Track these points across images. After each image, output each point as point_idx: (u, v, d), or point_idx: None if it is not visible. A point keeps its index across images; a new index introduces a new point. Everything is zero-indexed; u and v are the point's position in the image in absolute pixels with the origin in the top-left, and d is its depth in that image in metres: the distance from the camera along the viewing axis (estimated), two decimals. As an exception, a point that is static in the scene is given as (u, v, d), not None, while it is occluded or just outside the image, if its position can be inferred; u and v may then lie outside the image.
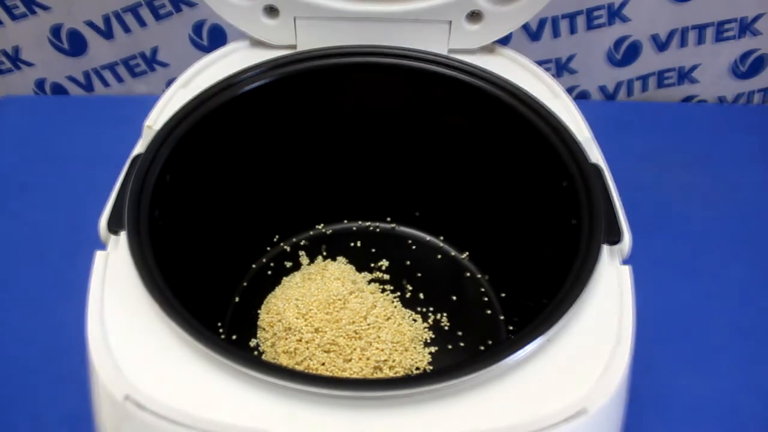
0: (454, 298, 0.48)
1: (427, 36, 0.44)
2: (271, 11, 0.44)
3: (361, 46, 0.44)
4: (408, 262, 0.50)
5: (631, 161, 0.64)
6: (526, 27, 0.66)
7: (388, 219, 0.52)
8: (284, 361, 0.42)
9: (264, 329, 0.45)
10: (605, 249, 0.35)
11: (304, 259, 0.50)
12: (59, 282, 0.53)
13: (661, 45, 0.67)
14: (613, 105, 0.71)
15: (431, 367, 0.44)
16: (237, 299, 0.47)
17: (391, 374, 0.42)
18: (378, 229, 0.52)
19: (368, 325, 0.44)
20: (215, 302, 0.46)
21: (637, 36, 0.67)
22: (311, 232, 0.51)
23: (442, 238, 0.51)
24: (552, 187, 0.40)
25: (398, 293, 0.48)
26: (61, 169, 0.62)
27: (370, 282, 0.48)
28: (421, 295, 0.48)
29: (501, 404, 0.29)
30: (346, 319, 0.43)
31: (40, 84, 0.70)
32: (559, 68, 0.69)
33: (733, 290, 0.55)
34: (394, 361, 0.43)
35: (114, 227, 0.35)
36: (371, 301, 0.45)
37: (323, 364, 0.42)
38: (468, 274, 0.49)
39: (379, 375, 0.42)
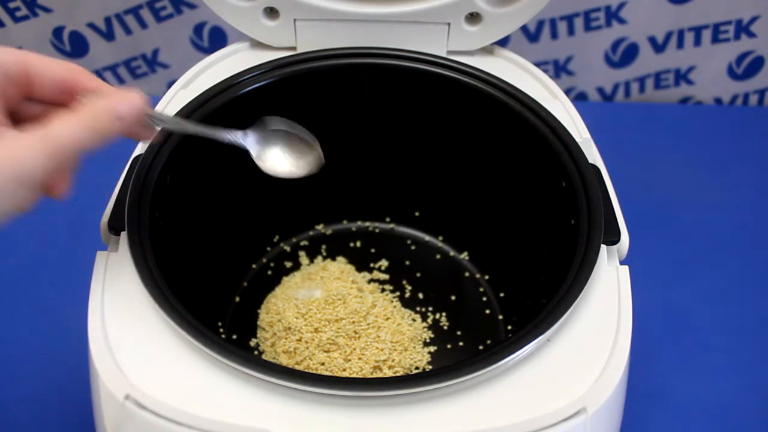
0: (454, 297, 0.48)
1: (426, 37, 0.44)
2: (271, 13, 0.44)
3: (360, 48, 0.44)
4: (407, 262, 0.50)
5: (629, 162, 0.64)
6: (524, 28, 0.66)
7: (388, 219, 0.52)
8: (284, 360, 0.42)
9: (264, 329, 0.45)
10: (604, 249, 0.35)
11: (304, 259, 0.50)
12: (60, 282, 0.53)
13: (658, 46, 0.68)
14: (610, 106, 0.71)
15: (430, 367, 0.44)
16: (237, 299, 0.47)
17: (391, 374, 0.42)
18: (377, 230, 0.52)
19: (368, 324, 0.44)
20: (215, 302, 0.46)
21: (635, 37, 0.67)
22: (311, 232, 0.51)
23: (441, 238, 0.51)
24: (551, 188, 0.40)
25: (398, 293, 0.48)
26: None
27: (369, 282, 0.48)
28: (421, 295, 0.48)
29: (500, 404, 0.30)
30: (346, 318, 0.43)
31: (39, 85, 0.70)
32: (558, 69, 0.70)
33: (730, 290, 0.55)
34: (393, 360, 0.43)
35: (115, 227, 0.35)
36: (371, 300, 0.45)
37: (323, 363, 0.42)
38: (467, 274, 0.49)
39: (378, 375, 0.42)
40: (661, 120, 0.69)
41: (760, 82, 0.70)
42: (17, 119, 0.30)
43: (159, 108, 0.41)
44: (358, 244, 0.51)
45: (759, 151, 0.66)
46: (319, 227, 0.52)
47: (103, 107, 0.28)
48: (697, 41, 0.67)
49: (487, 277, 0.49)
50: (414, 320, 0.46)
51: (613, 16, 0.65)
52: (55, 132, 0.26)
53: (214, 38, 0.67)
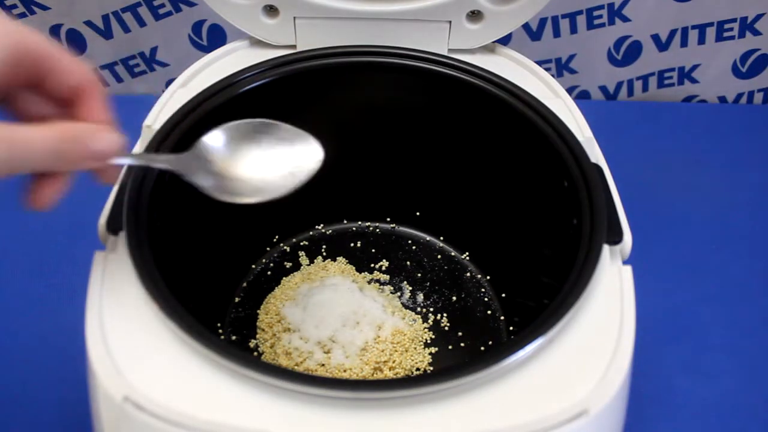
0: (455, 298, 0.48)
1: (427, 36, 0.44)
2: (271, 11, 0.44)
3: (360, 46, 0.44)
4: (408, 263, 0.49)
5: (632, 161, 0.63)
6: (526, 26, 0.66)
7: (388, 219, 0.52)
8: (284, 362, 0.42)
9: (263, 330, 0.45)
10: (606, 249, 0.35)
11: (304, 260, 0.49)
12: (58, 282, 0.53)
13: (661, 45, 0.67)
14: (613, 105, 0.71)
15: (431, 368, 0.43)
16: (237, 300, 0.47)
17: (392, 375, 0.42)
18: (378, 230, 0.52)
19: (368, 325, 0.43)
20: (215, 303, 0.46)
21: (638, 36, 0.67)
22: (311, 233, 0.51)
23: (442, 238, 0.51)
24: (553, 187, 0.40)
25: (398, 293, 0.47)
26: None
27: (369, 282, 0.48)
28: (421, 296, 0.48)
29: (501, 405, 0.29)
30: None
31: (39, 84, 0.70)
32: (560, 68, 0.69)
33: (734, 290, 0.55)
34: (394, 362, 0.42)
35: (113, 227, 0.35)
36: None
37: (323, 365, 0.42)
38: (468, 275, 0.49)
39: (379, 376, 0.42)
40: (665, 119, 0.69)
41: (765, 80, 0.70)
42: (17, 110, 0.29)
43: (157, 107, 0.41)
44: (359, 244, 0.51)
45: (764, 150, 0.66)
46: (319, 227, 0.51)
47: (81, 136, 0.27)
48: (701, 39, 0.67)
49: (488, 277, 0.49)
50: (415, 321, 0.46)
51: (616, 13, 0.65)
52: (25, 135, 0.26)
53: (213, 36, 0.66)
